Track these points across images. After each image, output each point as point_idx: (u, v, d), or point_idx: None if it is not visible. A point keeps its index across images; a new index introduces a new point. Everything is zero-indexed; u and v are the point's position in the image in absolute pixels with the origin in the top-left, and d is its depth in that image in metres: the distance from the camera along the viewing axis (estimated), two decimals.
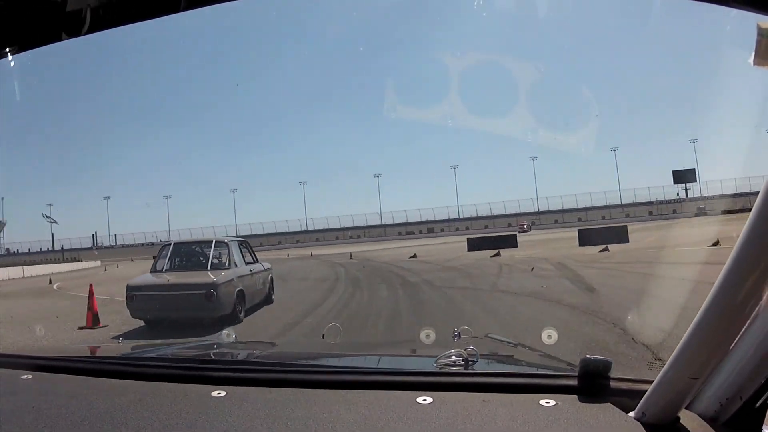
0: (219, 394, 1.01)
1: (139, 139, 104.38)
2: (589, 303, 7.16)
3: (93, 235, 76.77)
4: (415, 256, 20.66)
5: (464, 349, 1.13)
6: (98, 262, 46.18)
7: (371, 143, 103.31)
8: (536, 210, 74.34)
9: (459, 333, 1.78)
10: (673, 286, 7.46)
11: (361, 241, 63.00)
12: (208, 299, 6.60)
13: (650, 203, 66.12)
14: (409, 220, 77.56)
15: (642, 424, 0.79)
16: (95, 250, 68.52)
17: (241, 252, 8.23)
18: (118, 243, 76.65)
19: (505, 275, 11.90)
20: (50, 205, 78.56)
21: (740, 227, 0.60)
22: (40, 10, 0.77)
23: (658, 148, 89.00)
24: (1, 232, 76.12)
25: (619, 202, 70.00)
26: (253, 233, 71.51)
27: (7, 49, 0.85)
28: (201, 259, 7.85)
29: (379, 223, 78.40)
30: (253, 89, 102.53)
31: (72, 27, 0.79)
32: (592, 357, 0.92)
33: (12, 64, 0.86)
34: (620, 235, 20.33)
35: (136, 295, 6.95)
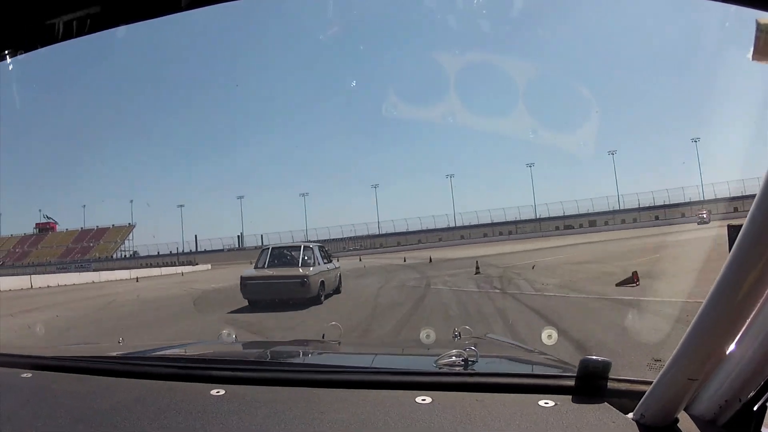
0: (218, 392, 1.00)
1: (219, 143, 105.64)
2: None
3: (239, 235, 77.78)
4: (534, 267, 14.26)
5: (464, 349, 1.13)
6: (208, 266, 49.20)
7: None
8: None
9: (459, 333, 1.78)
10: None
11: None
12: (302, 285, 9.32)
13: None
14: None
15: (641, 425, 0.79)
16: (229, 250, 71.39)
17: (321, 253, 10.91)
18: (200, 248, 77.77)
19: None
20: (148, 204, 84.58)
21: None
22: (42, 10, 0.77)
23: (663, 149, 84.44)
24: (130, 234, 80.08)
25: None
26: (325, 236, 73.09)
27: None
28: (293, 258, 10.49)
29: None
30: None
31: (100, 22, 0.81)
32: (591, 358, 0.92)
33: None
34: None
35: (247, 283, 9.74)
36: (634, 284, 8.48)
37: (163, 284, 21.89)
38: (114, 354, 1.56)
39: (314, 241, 12.72)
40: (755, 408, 0.71)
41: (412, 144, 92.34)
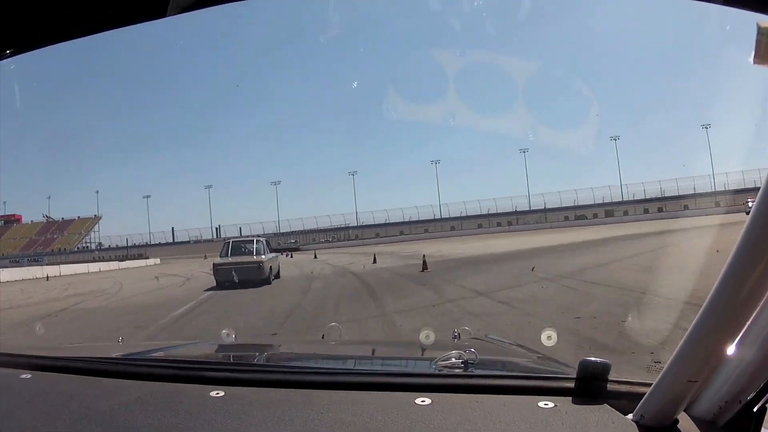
0: (218, 394, 1.00)
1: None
2: None
3: (216, 227, 76.83)
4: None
5: (464, 351, 1.12)
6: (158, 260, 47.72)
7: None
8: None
9: (458, 334, 1.78)
10: None
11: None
12: (258, 269, 12.63)
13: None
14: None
15: (641, 426, 0.79)
16: (196, 241, 70.49)
17: (267, 246, 14.26)
18: (178, 239, 76.76)
19: None
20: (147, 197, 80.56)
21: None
22: (45, 10, 0.76)
23: (667, 136, 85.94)
24: (97, 226, 78.16)
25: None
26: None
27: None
28: (248, 249, 13.64)
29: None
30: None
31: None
32: (591, 359, 0.92)
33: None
34: None
35: (218, 268, 13.05)
36: None
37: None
38: (113, 355, 1.55)
39: (263, 236, 16.88)
40: (755, 409, 0.71)
41: (397, 129, 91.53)
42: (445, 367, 1.10)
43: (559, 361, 1.43)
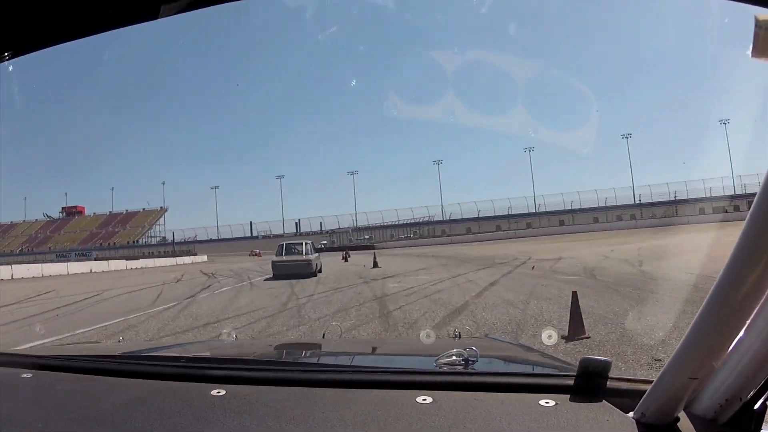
0: (219, 392, 1.01)
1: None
2: None
3: (296, 222, 77.48)
4: None
5: (464, 349, 1.14)
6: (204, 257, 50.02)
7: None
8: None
9: (459, 333, 1.84)
10: None
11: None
12: (308, 266, 16.37)
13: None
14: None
15: (641, 424, 0.79)
16: (265, 237, 71.67)
17: (312, 247, 18.09)
18: (255, 233, 77.41)
19: None
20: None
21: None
22: (44, 10, 0.78)
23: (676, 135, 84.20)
24: (162, 218, 79.20)
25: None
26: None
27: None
28: (298, 249, 17.31)
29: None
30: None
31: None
32: (591, 357, 0.92)
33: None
34: None
35: (276, 264, 16.77)
36: None
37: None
38: (114, 353, 1.56)
39: (309, 239, 19.83)
40: (756, 407, 0.71)
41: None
42: (446, 365, 1.11)
43: (560, 359, 1.48)
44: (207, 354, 1.67)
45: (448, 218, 70.00)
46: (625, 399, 0.86)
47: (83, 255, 64.04)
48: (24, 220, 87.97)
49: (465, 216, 68.03)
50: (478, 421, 0.84)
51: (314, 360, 1.57)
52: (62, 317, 9.69)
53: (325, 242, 67.47)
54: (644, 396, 0.79)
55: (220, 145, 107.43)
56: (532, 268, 14.49)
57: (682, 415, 0.77)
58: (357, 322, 7.03)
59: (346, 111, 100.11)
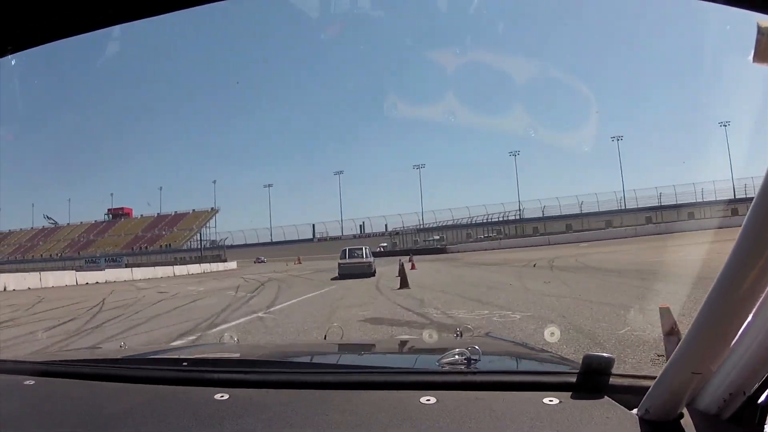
0: (222, 396, 1.00)
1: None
2: None
3: (361, 224, 72.03)
4: None
5: (467, 348, 1.13)
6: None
7: None
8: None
9: (461, 332, 1.81)
10: None
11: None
12: (368, 267, 19.40)
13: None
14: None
15: (645, 420, 0.79)
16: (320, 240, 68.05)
17: (369, 251, 21.30)
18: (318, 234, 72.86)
19: None
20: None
21: None
22: (41, 8, 0.76)
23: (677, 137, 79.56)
24: (213, 220, 74.36)
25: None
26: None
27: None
28: (361, 252, 20.38)
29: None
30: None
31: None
32: (594, 354, 0.92)
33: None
34: None
35: (341, 266, 19.62)
36: None
37: None
38: (116, 359, 1.54)
39: (368, 241, 22.32)
40: (760, 401, 0.70)
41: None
42: (449, 365, 1.10)
43: (562, 356, 1.45)
44: (209, 358, 1.63)
45: (528, 216, 61.93)
46: (628, 395, 0.86)
47: (113, 261, 59.59)
48: (69, 223, 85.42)
49: (546, 214, 60.68)
50: (483, 421, 0.84)
51: (317, 362, 1.55)
52: None
53: (385, 245, 60.55)
54: (647, 392, 0.79)
55: (276, 143, 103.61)
56: None
57: (686, 410, 0.77)
58: None
59: (413, 102, 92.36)
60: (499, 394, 0.93)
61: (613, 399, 0.87)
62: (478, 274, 17.47)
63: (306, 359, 1.62)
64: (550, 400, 0.88)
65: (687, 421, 0.76)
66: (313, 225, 73.94)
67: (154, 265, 43.02)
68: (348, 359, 1.63)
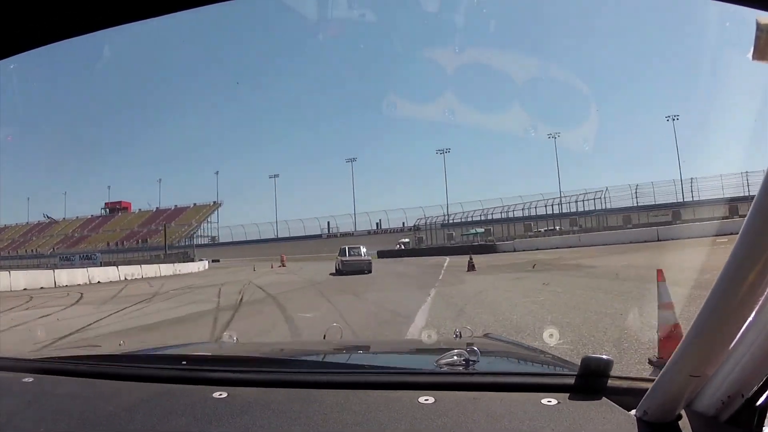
0: (221, 395, 1.00)
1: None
2: None
3: (377, 222, 64.04)
4: None
5: (465, 349, 1.13)
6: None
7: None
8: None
9: (459, 333, 1.84)
10: None
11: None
12: (367, 264, 21.54)
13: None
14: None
15: (643, 422, 0.79)
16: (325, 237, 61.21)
17: (366, 250, 23.02)
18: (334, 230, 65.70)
19: None
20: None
21: None
22: (41, 9, 0.78)
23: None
24: (215, 213, 68.71)
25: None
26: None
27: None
28: (359, 251, 22.42)
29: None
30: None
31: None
32: (593, 356, 0.92)
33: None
34: None
35: (342, 262, 21.63)
36: None
37: None
38: (115, 356, 1.54)
39: (362, 245, 23.41)
40: (758, 403, 0.70)
41: None
42: (448, 365, 1.10)
43: (561, 358, 1.44)
44: (208, 356, 1.60)
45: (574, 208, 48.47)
46: (626, 397, 0.86)
47: (87, 259, 53.85)
48: (64, 218, 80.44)
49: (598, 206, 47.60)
50: (481, 421, 0.84)
51: (316, 361, 1.55)
52: None
53: (406, 241, 49.39)
54: (646, 394, 0.79)
55: (282, 129, 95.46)
56: None
57: (684, 412, 0.77)
58: None
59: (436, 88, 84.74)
60: (497, 394, 0.93)
61: (611, 401, 0.87)
62: None
63: (305, 358, 1.60)
64: (549, 401, 0.88)
65: (685, 423, 0.76)
66: (328, 222, 67.22)
67: (130, 263, 37.10)
68: (347, 359, 1.62)
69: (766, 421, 0.71)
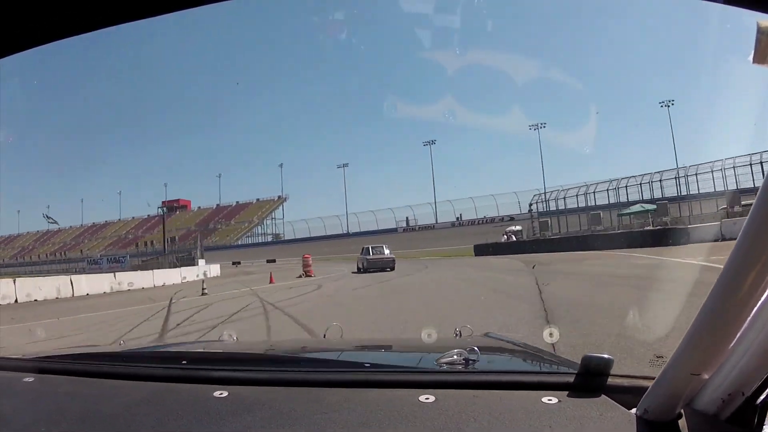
0: (221, 394, 1.00)
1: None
2: None
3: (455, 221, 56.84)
4: None
5: (465, 348, 1.13)
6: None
7: None
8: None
9: (460, 332, 1.82)
10: None
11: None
12: (392, 262, 22.17)
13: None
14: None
15: (643, 420, 0.79)
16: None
17: (388, 248, 23.25)
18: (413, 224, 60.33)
19: None
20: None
21: None
22: (41, 8, 0.78)
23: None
24: (280, 207, 64.12)
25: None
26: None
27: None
28: (382, 249, 22.75)
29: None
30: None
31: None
32: (593, 355, 0.93)
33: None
34: None
35: (366, 261, 22.11)
36: None
37: None
38: (115, 355, 1.54)
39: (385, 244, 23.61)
40: (758, 402, 0.70)
41: None
42: (448, 364, 1.10)
43: (561, 356, 1.43)
44: (208, 355, 1.61)
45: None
46: (626, 396, 0.86)
47: (116, 262, 46.06)
48: (120, 219, 76.67)
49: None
50: (481, 420, 0.84)
51: (316, 360, 1.55)
52: None
53: (518, 229, 37.62)
54: (646, 392, 0.79)
55: (352, 112, 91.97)
56: None
57: (684, 410, 0.78)
58: None
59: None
60: (497, 393, 0.93)
61: (612, 399, 0.87)
62: None
63: (305, 357, 1.60)
64: (549, 400, 0.88)
65: (685, 422, 0.76)
66: (407, 218, 58.63)
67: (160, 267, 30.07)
68: (347, 357, 1.61)
69: (766, 419, 0.70)
